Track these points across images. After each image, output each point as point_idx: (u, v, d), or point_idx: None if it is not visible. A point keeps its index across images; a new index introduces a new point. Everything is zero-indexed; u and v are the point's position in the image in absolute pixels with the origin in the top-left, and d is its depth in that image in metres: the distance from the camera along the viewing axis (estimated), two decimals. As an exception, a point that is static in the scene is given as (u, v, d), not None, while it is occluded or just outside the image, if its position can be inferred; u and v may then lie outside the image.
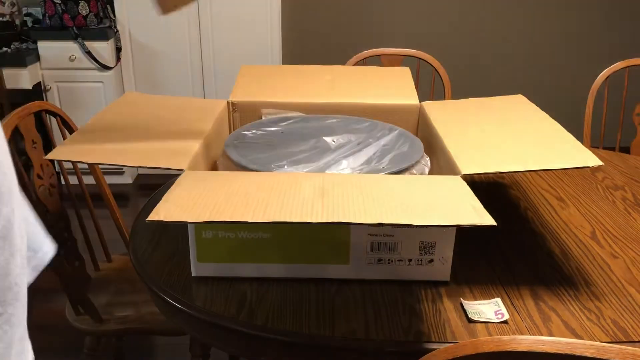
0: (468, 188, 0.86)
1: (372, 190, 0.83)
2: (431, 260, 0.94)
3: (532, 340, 0.56)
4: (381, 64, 2.03)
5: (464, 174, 0.92)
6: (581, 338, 0.83)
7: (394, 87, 1.42)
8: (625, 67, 1.87)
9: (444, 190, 0.85)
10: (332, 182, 0.86)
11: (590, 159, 0.94)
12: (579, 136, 1.42)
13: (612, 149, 1.76)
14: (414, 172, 1.05)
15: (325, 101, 1.31)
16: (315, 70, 1.52)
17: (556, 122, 1.13)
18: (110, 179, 3.00)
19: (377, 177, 0.90)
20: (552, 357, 0.55)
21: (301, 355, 0.86)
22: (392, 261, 0.94)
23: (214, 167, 1.13)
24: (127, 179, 3.06)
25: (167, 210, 0.76)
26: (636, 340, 0.83)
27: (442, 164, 1.08)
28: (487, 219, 0.74)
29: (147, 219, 0.73)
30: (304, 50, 3.15)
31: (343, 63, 1.95)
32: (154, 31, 2.84)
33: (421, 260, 0.94)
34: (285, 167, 1.04)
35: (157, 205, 0.77)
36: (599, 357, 0.53)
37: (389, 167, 1.03)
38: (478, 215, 0.76)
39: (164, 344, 1.86)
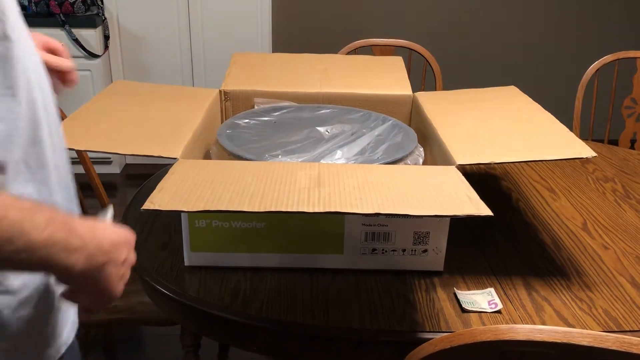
0: (463, 178, 0.86)
1: (368, 180, 0.83)
2: (425, 251, 0.94)
3: (530, 329, 0.56)
4: (372, 55, 2.02)
5: (459, 165, 0.92)
6: (573, 327, 0.84)
7: (387, 77, 1.42)
8: (615, 60, 1.88)
9: (439, 180, 0.85)
10: (328, 172, 0.85)
11: (583, 150, 0.95)
12: (568, 128, 1.43)
13: (601, 141, 1.77)
14: (408, 162, 1.04)
15: (318, 91, 1.30)
16: (308, 59, 1.51)
17: (549, 113, 1.14)
18: (98, 169, 2.97)
19: (372, 167, 0.90)
20: (549, 346, 0.55)
21: (295, 345, 0.86)
22: (386, 251, 0.94)
23: (206, 156, 1.12)
24: (115, 169, 3.03)
25: (161, 198, 0.75)
26: (627, 329, 0.84)
27: (436, 155, 1.08)
28: (484, 209, 0.74)
29: (142, 208, 0.72)
30: (294, 40, 3.13)
31: (334, 53, 1.94)
32: (143, 19, 2.80)
33: (415, 251, 0.94)
34: (280, 156, 1.04)
35: (152, 194, 0.76)
36: (596, 345, 0.54)
37: (383, 158, 1.03)
38: (474, 205, 0.76)
39: (154, 335, 1.86)
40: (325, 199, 0.75)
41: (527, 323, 0.84)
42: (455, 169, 0.90)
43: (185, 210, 0.72)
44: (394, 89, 1.33)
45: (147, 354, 1.78)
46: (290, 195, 0.76)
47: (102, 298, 0.59)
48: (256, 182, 0.80)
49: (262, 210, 0.71)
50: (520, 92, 1.30)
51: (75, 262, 0.52)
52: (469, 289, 0.92)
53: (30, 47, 0.60)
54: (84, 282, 0.56)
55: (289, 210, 0.71)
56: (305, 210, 0.71)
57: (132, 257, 0.62)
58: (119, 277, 0.59)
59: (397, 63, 1.52)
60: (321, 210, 0.71)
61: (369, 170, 0.88)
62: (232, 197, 0.75)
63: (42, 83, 0.61)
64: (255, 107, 1.29)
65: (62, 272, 0.53)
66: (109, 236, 0.57)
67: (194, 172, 0.84)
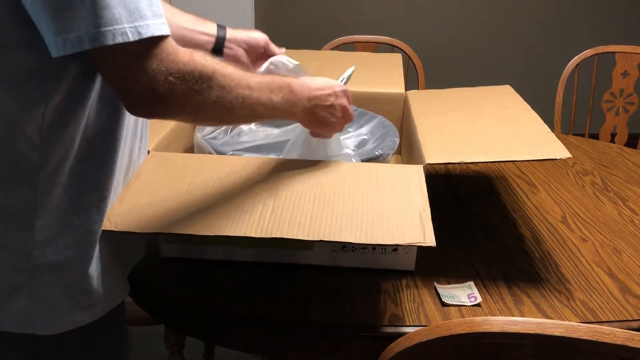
0: (424, 185, 0.86)
1: (325, 194, 0.83)
2: (395, 250, 0.93)
3: (504, 321, 0.57)
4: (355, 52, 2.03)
5: (427, 164, 0.92)
6: (551, 319, 0.85)
7: (382, 75, 1.41)
8: (595, 55, 1.90)
9: (399, 188, 0.85)
10: (289, 179, 0.86)
11: (558, 151, 0.94)
12: (549, 123, 1.43)
13: (582, 135, 1.79)
14: (382, 160, 1.04)
15: None
16: (306, 55, 1.51)
17: (535, 114, 1.13)
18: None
19: (335, 173, 0.89)
20: (523, 337, 0.56)
21: (276, 342, 0.86)
22: (355, 249, 0.93)
23: (190, 149, 1.13)
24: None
25: (119, 214, 0.76)
26: (604, 320, 0.85)
27: (414, 154, 1.08)
28: (429, 238, 0.74)
29: (103, 228, 0.74)
30: (277, 38, 3.12)
31: (317, 49, 1.94)
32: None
33: (385, 249, 0.93)
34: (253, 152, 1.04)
35: (113, 205, 0.78)
36: (568, 335, 0.54)
37: (358, 155, 1.03)
38: (422, 230, 0.76)
39: (137, 334, 1.85)
40: (275, 218, 0.76)
41: (506, 315, 0.85)
42: (421, 169, 0.90)
43: (138, 232, 0.74)
44: (387, 87, 1.33)
45: (131, 354, 1.77)
46: (243, 210, 0.78)
47: (326, 130, 0.91)
48: (215, 191, 0.82)
49: (210, 234, 0.73)
50: (513, 91, 1.29)
51: (296, 110, 0.83)
52: (449, 283, 0.92)
53: None
54: (309, 121, 0.88)
55: (236, 234, 0.73)
56: (252, 235, 0.73)
57: (341, 101, 0.89)
58: (331, 115, 0.88)
59: (394, 60, 1.52)
60: (266, 235, 0.73)
61: (329, 177, 0.88)
62: (187, 213, 0.77)
63: None
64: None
65: (293, 117, 0.85)
66: (315, 85, 0.86)
67: (160, 173, 0.86)
